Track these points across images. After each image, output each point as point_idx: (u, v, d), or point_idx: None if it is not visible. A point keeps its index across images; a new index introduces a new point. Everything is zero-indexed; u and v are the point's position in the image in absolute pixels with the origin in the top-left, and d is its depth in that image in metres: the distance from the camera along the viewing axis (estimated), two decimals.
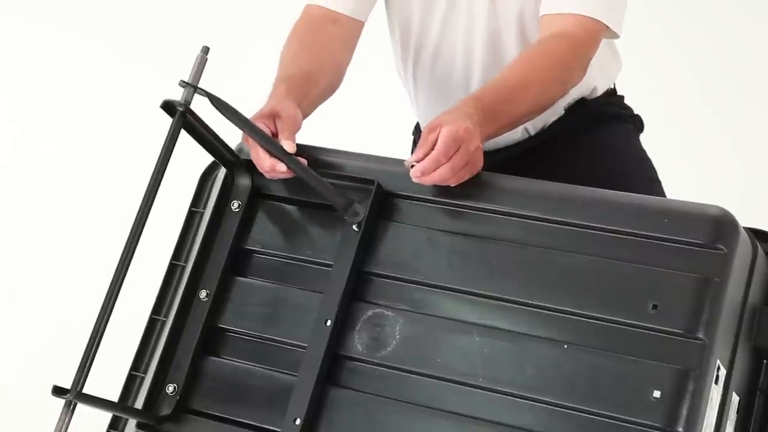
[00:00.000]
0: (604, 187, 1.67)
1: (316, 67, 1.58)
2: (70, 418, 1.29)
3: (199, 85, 1.35)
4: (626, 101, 1.89)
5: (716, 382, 1.22)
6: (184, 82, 1.34)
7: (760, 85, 3.12)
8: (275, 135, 1.41)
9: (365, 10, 1.71)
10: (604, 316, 1.27)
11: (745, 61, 3.20)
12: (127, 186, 2.15)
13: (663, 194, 1.75)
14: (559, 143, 1.79)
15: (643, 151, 1.83)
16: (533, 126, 1.77)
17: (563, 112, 1.78)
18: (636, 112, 1.88)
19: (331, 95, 1.64)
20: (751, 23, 3.27)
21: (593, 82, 1.78)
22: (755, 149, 2.97)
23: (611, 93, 1.85)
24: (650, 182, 1.77)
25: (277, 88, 1.51)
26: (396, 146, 1.79)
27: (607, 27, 1.55)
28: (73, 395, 1.27)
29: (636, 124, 1.87)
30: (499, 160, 1.69)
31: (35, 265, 2.95)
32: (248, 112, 1.42)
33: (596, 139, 1.79)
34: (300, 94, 1.50)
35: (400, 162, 1.40)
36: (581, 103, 1.79)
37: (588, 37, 1.53)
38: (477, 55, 1.69)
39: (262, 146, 1.39)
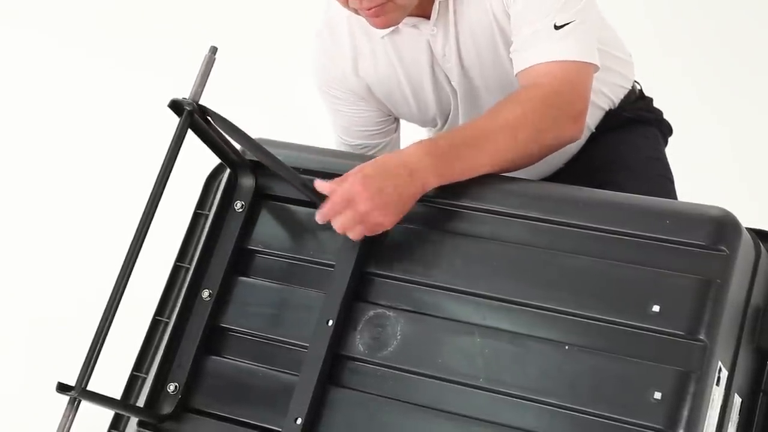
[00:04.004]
0: (618, 176, 1.71)
1: None
2: (74, 415, 1.29)
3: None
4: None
5: (718, 384, 1.22)
6: (186, 104, 1.34)
7: (760, 84, 3.11)
8: None
9: (375, 142, 1.78)
10: (605, 317, 1.27)
11: (744, 60, 3.19)
12: (133, 186, 2.15)
13: (674, 193, 1.76)
14: (582, 149, 1.81)
15: (661, 152, 1.84)
16: (568, 155, 1.79)
17: (594, 130, 1.79)
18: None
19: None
20: (748, 21, 3.27)
21: (606, 99, 1.79)
22: (756, 149, 2.97)
23: (637, 97, 1.85)
24: (662, 179, 1.77)
25: None
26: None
27: (582, 62, 1.48)
28: (77, 392, 1.28)
29: (662, 128, 1.87)
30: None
31: (41, 264, 2.96)
32: (251, 111, 1.42)
33: (615, 136, 1.80)
34: None
35: None
36: (607, 114, 1.81)
37: (562, 84, 1.46)
38: None
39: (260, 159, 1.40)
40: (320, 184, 1.38)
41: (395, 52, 1.64)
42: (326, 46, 1.69)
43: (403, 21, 1.57)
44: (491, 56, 1.61)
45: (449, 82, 1.66)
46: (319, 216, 1.37)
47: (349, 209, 1.34)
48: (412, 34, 1.61)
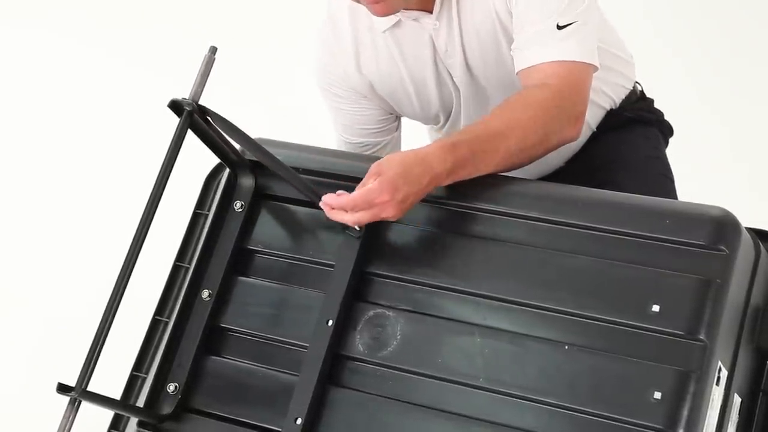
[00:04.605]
0: (618, 175, 1.71)
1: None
2: (75, 415, 1.29)
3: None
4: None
5: (717, 384, 1.22)
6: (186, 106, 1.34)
7: (760, 83, 3.11)
8: None
9: (377, 140, 1.78)
10: (605, 317, 1.27)
11: (745, 60, 3.19)
12: (133, 186, 2.15)
13: (674, 193, 1.76)
14: (582, 148, 1.81)
15: (662, 152, 1.84)
16: (568, 154, 1.79)
17: (595, 129, 1.79)
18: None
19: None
20: (748, 21, 3.27)
21: (607, 99, 1.79)
22: (757, 149, 2.97)
23: (638, 98, 1.85)
24: (662, 179, 1.78)
25: None
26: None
27: (584, 63, 1.49)
28: (78, 393, 1.28)
29: (663, 128, 1.88)
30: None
31: (41, 264, 2.96)
32: (251, 111, 1.42)
33: (615, 136, 1.80)
34: None
35: None
36: (608, 114, 1.81)
37: (566, 85, 1.47)
38: None
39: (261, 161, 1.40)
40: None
41: (397, 47, 1.64)
42: (329, 42, 1.69)
43: (405, 14, 1.57)
44: (494, 54, 1.61)
45: (451, 78, 1.66)
46: (334, 209, 1.35)
47: (370, 211, 1.33)
48: (414, 28, 1.61)
